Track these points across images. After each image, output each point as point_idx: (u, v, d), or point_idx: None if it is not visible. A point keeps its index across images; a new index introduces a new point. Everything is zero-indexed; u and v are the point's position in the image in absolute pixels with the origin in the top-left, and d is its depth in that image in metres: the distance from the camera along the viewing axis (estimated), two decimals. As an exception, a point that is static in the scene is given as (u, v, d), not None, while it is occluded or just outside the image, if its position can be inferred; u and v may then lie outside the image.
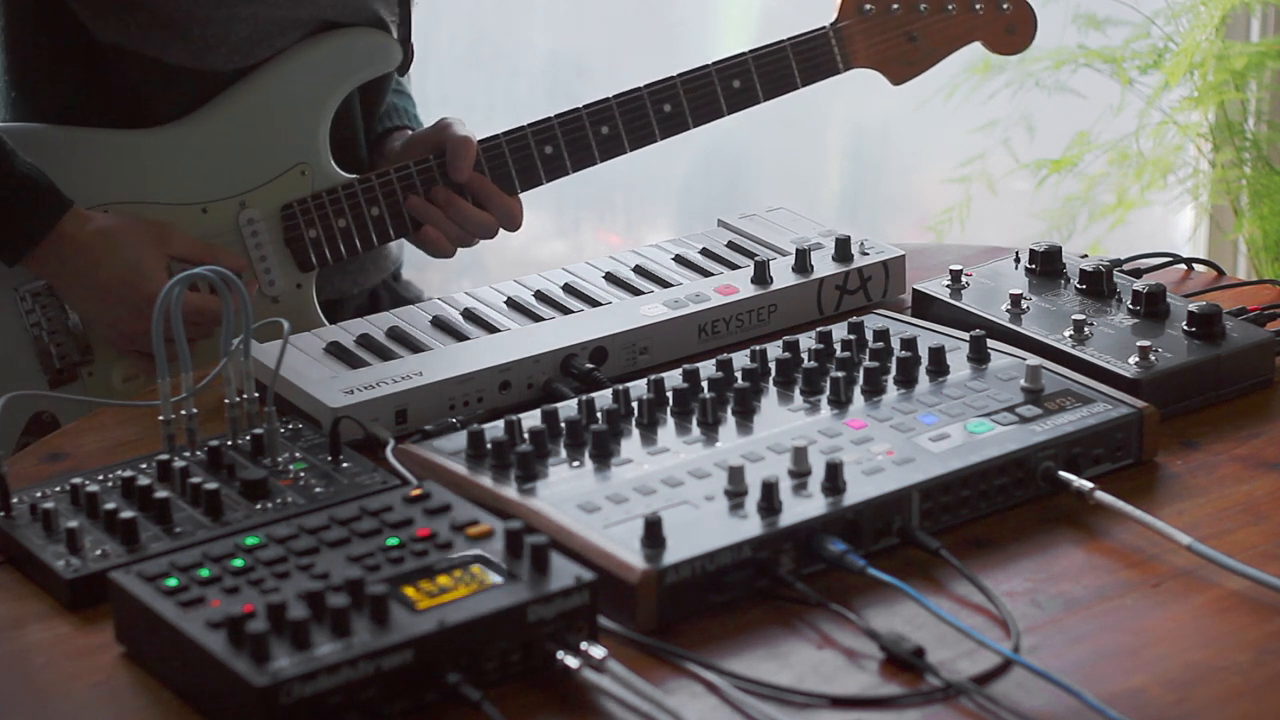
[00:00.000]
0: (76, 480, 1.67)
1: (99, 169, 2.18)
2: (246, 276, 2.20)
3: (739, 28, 4.05)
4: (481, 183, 2.25)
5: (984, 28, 2.36)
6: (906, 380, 1.80)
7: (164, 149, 2.20)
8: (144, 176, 2.19)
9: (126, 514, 1.61)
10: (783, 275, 2.04)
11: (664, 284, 2.04)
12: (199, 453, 1.73)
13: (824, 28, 2.32)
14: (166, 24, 2.16)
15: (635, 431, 1.72)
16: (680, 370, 1.80)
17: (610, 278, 2.05)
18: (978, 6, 2.33)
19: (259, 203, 2.23)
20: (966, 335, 1.85)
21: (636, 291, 2.02)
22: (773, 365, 1.81)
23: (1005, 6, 2.34)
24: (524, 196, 2.29)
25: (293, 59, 2.21)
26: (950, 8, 2.33)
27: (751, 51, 2.30)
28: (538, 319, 1.97)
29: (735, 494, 1.61)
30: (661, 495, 1.62)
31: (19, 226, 2.12)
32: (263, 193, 2.23)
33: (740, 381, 1.77)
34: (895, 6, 2.33)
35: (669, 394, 1.76)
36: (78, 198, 2.15)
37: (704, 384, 1.78)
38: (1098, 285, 1.97)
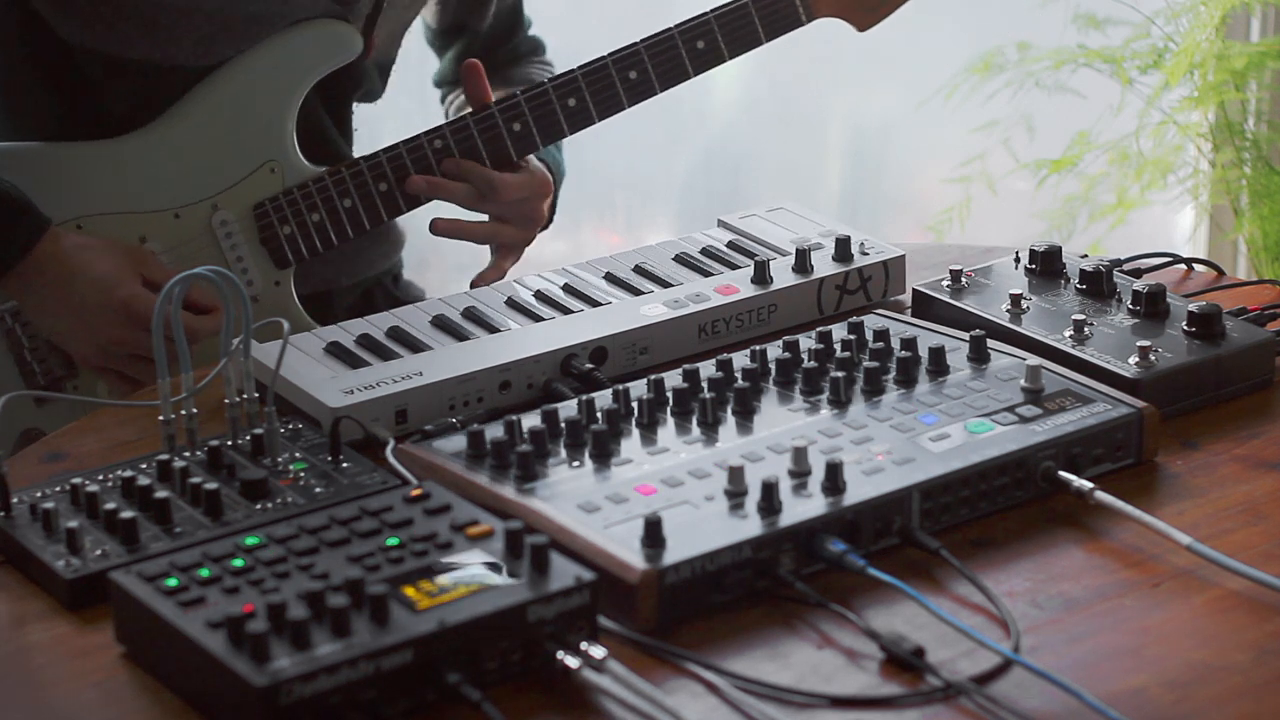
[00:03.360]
0: (76, 480, 1.67)
1: (68, 183, 2.16)
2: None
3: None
4: (457, 164, 2.24)
5: None
6: (906, 380, 1.80)
7: (131, 158, 2.18)
8: (113, 187, 2.18)
9: (126, 514, 1.61)
10: (783, 275, 2.03)
11: (664, 284, 2.04)
12: (199, 453, 1.73)
13: None
14: (129, 16, 2.14)
15: (635, 431, 1.72)
16: (680, 370, 1.80)
17: (610, 278, 2.05)
18: None
19: (231, 204, 2.21)
20: (966, 335, 1.85)
21: (636, 291, 2.02)
22: (773, 365, 1.81)
23: None
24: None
25: (252, 57, 2.20)
26: None
27: (713, 10, 2.27)
28: (538, 319, 1.97)
29: (735, 494, 1.60)
30: (661, 495, 1.61)
31: None
32: (234, 193, 2.22)
33: (740, 381, 1.77)
34: None
35: (669, 394, 1.76)
36: (49, 213, 2.12)
37: (704, 384, 1.77)
38: (1098, 285, 1.97)
